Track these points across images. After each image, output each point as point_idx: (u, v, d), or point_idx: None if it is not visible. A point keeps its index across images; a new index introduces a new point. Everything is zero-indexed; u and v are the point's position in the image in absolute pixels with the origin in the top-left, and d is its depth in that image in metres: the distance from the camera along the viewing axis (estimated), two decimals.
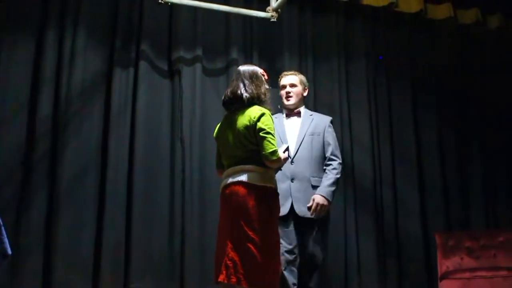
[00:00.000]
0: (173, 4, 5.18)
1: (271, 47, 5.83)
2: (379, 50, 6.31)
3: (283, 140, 4.32)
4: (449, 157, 6.28)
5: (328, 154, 4.40)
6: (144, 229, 5.01)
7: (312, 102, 5.65)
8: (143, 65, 5.28)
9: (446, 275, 5.11)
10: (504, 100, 6.55)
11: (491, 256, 5.28)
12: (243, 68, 3.75)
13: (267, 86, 3.72)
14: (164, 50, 5.48)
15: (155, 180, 5.17)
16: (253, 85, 3.62)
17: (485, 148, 6.43)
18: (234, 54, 5.61)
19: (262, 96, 3.63)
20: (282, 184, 4.17)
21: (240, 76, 3.67)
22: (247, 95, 3.58)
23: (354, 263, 5.57)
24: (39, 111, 4.87)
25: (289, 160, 4.23)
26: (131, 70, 5.25)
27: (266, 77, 3.76)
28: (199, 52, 5.49)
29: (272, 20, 5.22)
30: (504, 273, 4.94)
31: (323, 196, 4.17)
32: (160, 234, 5.08)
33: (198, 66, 5.45)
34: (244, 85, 3.61)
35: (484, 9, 6.39)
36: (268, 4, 5.23)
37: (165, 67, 5.46)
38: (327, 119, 4.61)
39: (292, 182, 4.29)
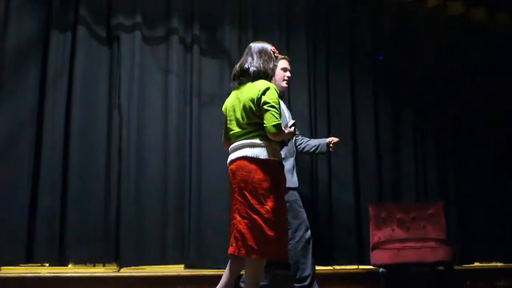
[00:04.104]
0: None
1: (212, 17, 5.78)
2: (320, 22, 6.33)
3: (289, 118, 4.48)
4: (384, 129, 6.40)
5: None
6: (80, 196, 4.99)
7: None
8: (81, 29, 5.18)
9: (377, 245, 5.25)
10: (437, 72, 6.74)
11: (421, 228, 5.49)
12: (253, 43, 3.85)
13: (276, 63, 3.85)
14: (104, 16, 5.38)
15: (92, 147, 5.13)
16: (260, 60, 3.72)
17: (418, 122, 6.57)
18: (175, 23, 5.56)
19: (269, 72, 3.75)
20: (289, 160, 4.42)
21: (250, 51, 3.78)
22: (254, 69, 3.69)
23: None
24: None
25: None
26: (69, 34, 5.15)
27: (276, 54, 3.86)
28: (139, 19, 5.41)
29: None
30: (432, 243, 5.11)
31: None
32: (96, 201, 5.07)
33: (137, 33, 5.38)
34: (252, 59, 3.72)
35: None
36: None
37: (104, 33, 5.36)
38: None
39: (293, 158, 4.56)
